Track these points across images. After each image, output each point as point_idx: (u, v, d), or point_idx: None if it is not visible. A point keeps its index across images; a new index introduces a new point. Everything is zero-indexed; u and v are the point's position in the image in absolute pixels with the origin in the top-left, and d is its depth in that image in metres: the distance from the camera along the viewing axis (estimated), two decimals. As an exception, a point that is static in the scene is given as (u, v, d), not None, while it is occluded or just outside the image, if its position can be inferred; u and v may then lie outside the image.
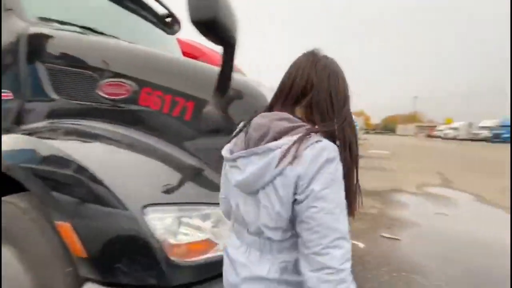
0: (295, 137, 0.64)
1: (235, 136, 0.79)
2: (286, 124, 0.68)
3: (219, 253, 1.15)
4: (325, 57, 0.75)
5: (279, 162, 0.63)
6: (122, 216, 1.04)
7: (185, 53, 2.85)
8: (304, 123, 0.69)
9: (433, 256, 2.94)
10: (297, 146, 0.63)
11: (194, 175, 1.26)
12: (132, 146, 1.31)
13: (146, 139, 1.32)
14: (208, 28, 0.93)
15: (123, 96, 1.41)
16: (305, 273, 0.64)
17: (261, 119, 0.72)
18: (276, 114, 0.72)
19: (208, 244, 1.15)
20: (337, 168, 0.65)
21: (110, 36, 1.75)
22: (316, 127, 0.69)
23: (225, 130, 1.27)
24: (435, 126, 47.93)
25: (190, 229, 1.13)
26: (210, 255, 1.13)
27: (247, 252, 0.74)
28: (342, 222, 0.63)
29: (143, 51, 1.51)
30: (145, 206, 1.05)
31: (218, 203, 1.22)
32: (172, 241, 1.05)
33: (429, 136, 43.55)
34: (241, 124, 0.79)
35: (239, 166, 0.71)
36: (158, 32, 2.47)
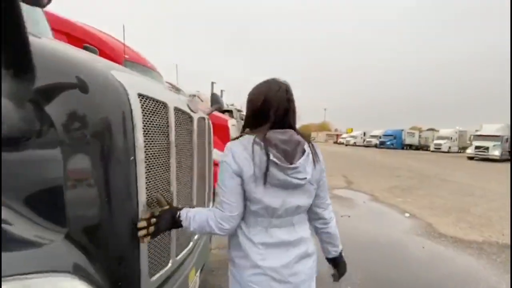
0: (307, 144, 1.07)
1: (263, 152, 0.97)
2: (300, 137, 1.05)
3: None
4: None
5: (314, 161, 1.05)
6: None
7: (55, 30, 2.18)
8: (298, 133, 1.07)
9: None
10: (314, 149, 1.08)
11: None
12: None
13: None
14: None
15: None
16: (323, 214, 1.18)
17: (283, 136, 1.00)
18: (290, 131, 1.03)
19: None
20: None
21: None
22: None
23: (38, 137, 0.75)
24: (341, 135, 56.11)
25: None
26: None
27: (294, 230, 1.08)
28: None
29: None
30: None
31: (33, 272, 0.68)
32: None
33: (336, 142, 51.04)
34: (253, 140, 0.99)
35: (301, 170, 1.00)
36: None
